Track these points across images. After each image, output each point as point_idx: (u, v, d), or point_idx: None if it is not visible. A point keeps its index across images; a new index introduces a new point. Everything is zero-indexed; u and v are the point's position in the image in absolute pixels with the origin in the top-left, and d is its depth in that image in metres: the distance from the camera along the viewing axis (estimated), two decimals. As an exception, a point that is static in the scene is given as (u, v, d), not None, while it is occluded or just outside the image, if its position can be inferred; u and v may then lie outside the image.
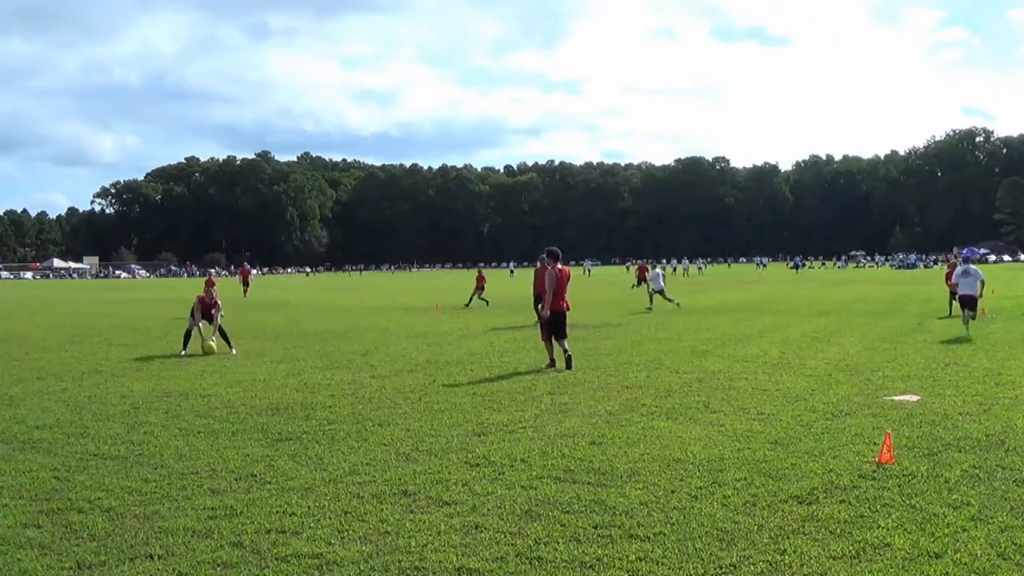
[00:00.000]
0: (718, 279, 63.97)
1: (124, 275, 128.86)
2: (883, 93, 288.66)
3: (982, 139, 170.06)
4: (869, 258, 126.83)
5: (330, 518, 5.76)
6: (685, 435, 8.11)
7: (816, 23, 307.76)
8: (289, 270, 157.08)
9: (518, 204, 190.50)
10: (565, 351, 13.13)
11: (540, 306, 14.15)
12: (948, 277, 22.67)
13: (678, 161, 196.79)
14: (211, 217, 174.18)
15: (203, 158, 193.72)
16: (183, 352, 16.05)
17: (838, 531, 5.33)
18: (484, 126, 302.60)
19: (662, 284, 28.75)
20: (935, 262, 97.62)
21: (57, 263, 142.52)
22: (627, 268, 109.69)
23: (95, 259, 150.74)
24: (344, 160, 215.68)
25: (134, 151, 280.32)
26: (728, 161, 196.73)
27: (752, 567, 4.79)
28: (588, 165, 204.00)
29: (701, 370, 12.65)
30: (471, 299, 31.93)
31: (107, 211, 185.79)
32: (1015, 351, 14.29)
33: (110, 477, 6.89)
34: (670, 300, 28.02)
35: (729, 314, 24.79)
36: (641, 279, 41.95)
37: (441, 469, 6.99)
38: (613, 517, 5.67)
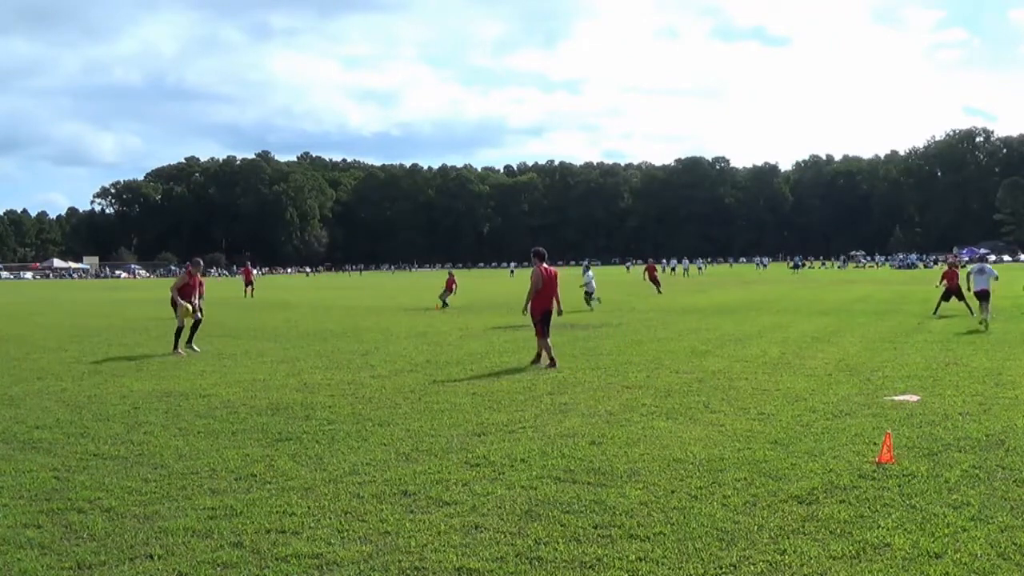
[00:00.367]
0: (718, 279, 63.95)
1: (124, 275, 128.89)
2: (883, 93, 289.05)
3: (982, 139, 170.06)
4: (869, 258, 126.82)
5: (330, 518, 5.76)
6: (685, 435, 8.11)
7: (816, 23, 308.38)
8: (289, 270, 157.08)
9: (518, 204, 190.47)
10: (543, 348, 13.53)
11: (524, 308, 14.25)
12: (943, 277, 22.66)
13: (678, 161, 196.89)
14: (211, 217, 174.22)
15: (203, 158, 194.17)
16: (181, 351, 16.08)
17: (838, 531, 5.33)
18: (484, 126, 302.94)
19: (594, 286, 29.24)
20: (935, 262, 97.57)
21: (57, 263, 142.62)
22: (627, 268, 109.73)
23: (95, 259, 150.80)
24: (344, 160, 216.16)
25: (134, 151, 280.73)
26: (728, 161, 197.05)
27: (752, 567, 4.79)
28: (588, 165, 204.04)
29: (701, 370, 12.65)
30: (443, 299, 30.81)
31: (107, 211, 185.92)
32: (1015, 351, 14.29)
33: (110, 477, 6.89)
34: (590, 301, 28.22)
35: (729, 314, 24.79)
36: (652, 278, 41.90)
37: (441, 469, 6.99)
38: (613, 517, 5.67)
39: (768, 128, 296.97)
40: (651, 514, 5.73)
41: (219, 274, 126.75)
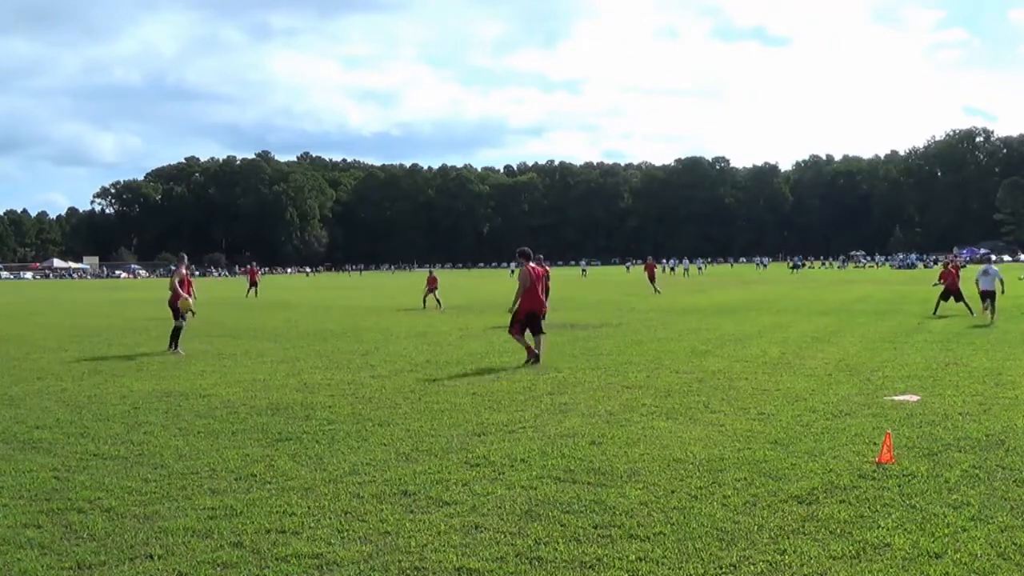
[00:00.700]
0: (718, 279, 63.95)
1: (124, 275, 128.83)
2: (883, 93, 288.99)
3: (982, 139, 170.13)
4: (869, 258, 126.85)
5: (330, 518, 5.76)
6: (685, 435, 8.10)
7: (816, 23, 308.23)
8: (289, 270, 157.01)
9: (518, 204, 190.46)
10: (538, 344, 13.77)
11: (511, 307, 14.39)
12: (941, 276, 22.79)
13: (678, 161, 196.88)
14: (211, 217, 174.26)
15: (203, 158, 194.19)
16: (180, 350, 16.09)
17: (838, 531, 5.32)
18: (484, 126, 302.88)
19: None
20: (935, 262, 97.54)
21: (57, 263, 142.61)
22: (627, 268, 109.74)
23: (95, 259, 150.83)
24: (344, 160, 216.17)
25: (134, 151, 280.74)
26: (728, 161, 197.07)
27: (752, 567, 4.79)
28: (588, 165, 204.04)
29: (701, 370, 12.65)
30: (425, 300, 30.44)
31: (107, 211, 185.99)
32: (1015, 351, 14.29)
33: (110, 477, 6.89)
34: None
35: (729, 314, 24.79)
36: (650, 276, 41.92)
37: (441, 469, 6.99)
38: (613, 517, 5.67)
39: (768, 128, 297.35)
40: (651, 514, 5.73)
41: (219, 274, 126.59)
